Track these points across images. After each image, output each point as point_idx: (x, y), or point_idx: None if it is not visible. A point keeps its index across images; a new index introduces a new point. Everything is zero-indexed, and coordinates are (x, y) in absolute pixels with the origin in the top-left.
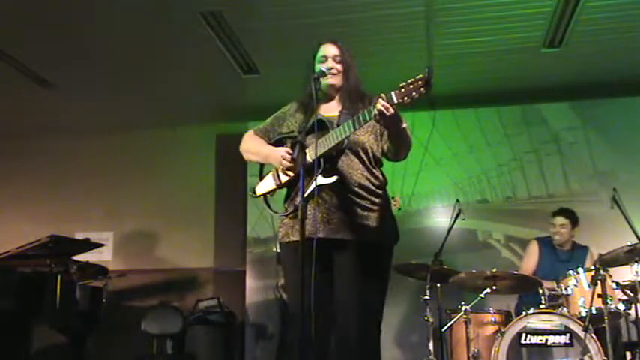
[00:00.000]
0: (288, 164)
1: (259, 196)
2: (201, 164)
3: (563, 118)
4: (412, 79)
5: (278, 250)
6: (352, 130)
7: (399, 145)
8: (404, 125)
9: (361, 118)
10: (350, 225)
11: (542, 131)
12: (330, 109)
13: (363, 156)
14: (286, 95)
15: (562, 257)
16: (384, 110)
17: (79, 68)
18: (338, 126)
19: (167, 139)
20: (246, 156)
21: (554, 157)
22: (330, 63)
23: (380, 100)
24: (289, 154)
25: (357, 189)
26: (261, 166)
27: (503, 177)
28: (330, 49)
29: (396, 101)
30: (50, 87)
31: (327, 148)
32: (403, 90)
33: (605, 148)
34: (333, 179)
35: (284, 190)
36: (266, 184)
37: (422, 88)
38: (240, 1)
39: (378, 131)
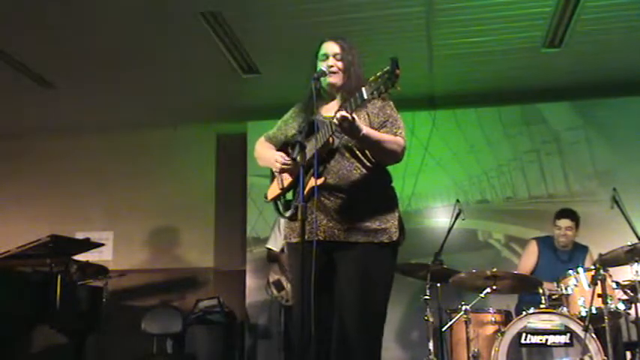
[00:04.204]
0: (280, 167)
1: (271, 200)
2: (201, 164)
3: (563, 118)
4: (379, 73)
5: (268, 247)
6: (331, 132)
7: (372, 153)
8: (363, 132)
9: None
10: (348, 226)
11: (542, 131)
12: (331, 109)
13: (359, 154)
14: (286, 95)
15: (562, 258)
16: (340, 121)
17: (79, 68)
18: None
19: (167, 138)
20: (258, 162)
21: (554, 157)
22: (331, 61)
23: (339, 112)
24: (284, 157)
25: (352, 189)
26: (272, 170)
27: (504, 177)
28: (331, 47)
29: (366, 97)
30: (50, 87)
31: (314, 150)
32: (373, 84)
33: (605, 148)
34: (320, 181)
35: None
36: (274, 189)
37: (388, 81)
38: (240, 1)
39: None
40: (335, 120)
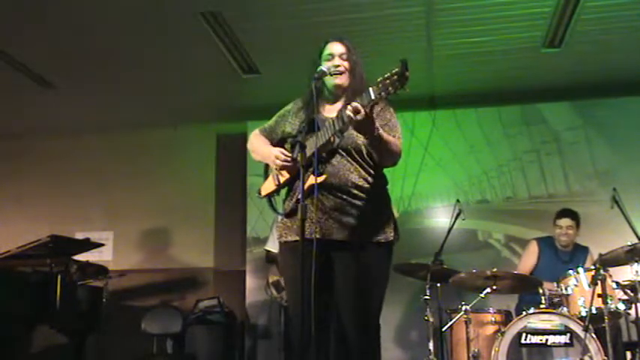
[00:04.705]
0: (281, 164)
1: (264, 196)
2: (201, 164)
3: (563, 118)
4: (388, 74)
5: (266, 249)
6: (334, 130)
7: (378, 153)
8: (379, 131)
9: (344, 118)
10: (346, 225)
11: (542, 131)
12: (334, 110)
13: (357, 156)
14: (286, 95)
15: (563, 258)
16: (352, 113)
17: (79, 68)
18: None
19: (167, 138)
20: (252, 155)
21: (554, 157)
22: (337, 61)
23: (350, 104)
24: (285, 155)
25: (352, 189)
26: (266, 165)
27: (504, 177)
28: (336, 48)
29: (373, 97)
30: (50, 87)
31: (314, 149)
32: (381, 85)
33: (605, 148)
34: (320, 179)
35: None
36: (268, 185)
37: (397, 82)
38: (240, 1)
39: None
40: (348, 112)
